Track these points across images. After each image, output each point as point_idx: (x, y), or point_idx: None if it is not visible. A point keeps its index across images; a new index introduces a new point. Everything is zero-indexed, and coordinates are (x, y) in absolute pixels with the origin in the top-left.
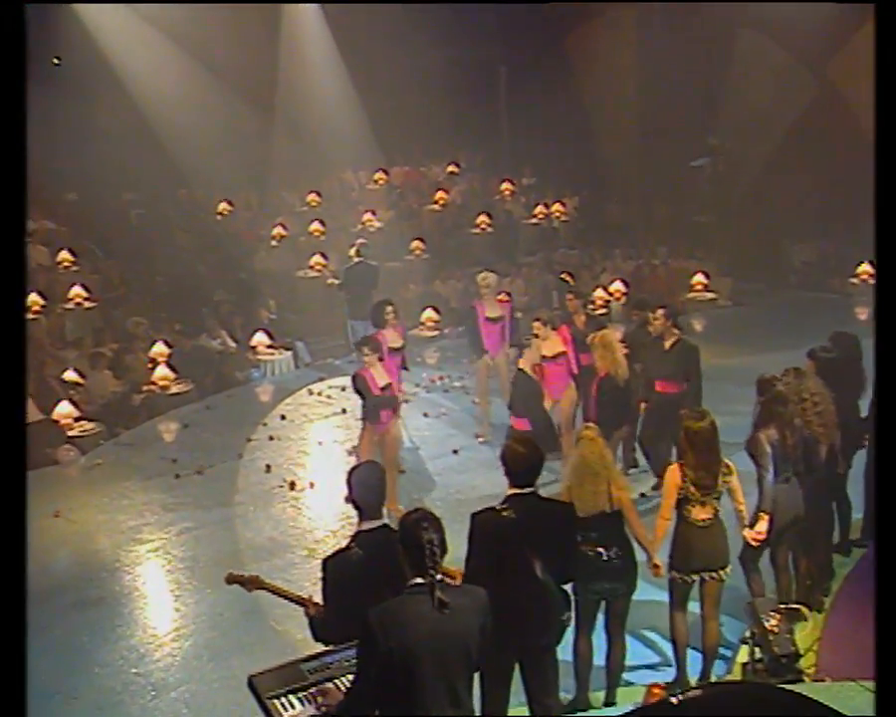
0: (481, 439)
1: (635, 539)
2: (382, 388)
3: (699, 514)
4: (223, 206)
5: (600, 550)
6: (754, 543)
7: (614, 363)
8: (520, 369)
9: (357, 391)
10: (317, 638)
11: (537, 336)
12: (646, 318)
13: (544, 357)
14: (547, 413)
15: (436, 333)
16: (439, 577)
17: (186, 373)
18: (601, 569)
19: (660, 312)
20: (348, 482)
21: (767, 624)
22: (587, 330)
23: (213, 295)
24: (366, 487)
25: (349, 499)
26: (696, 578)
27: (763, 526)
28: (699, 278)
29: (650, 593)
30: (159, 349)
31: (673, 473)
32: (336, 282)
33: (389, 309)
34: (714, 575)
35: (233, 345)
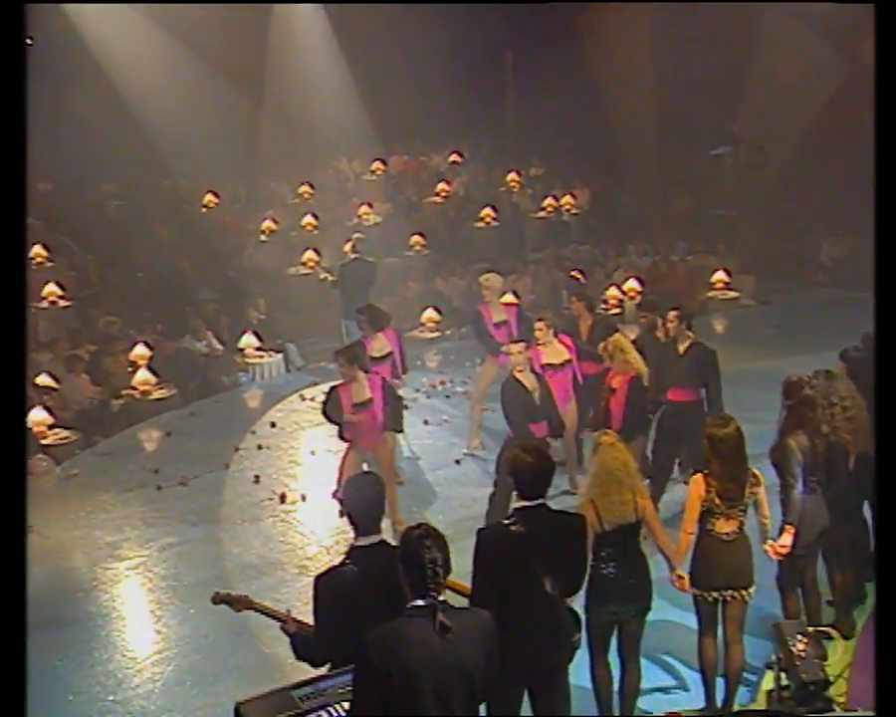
0: (470, 451)
1: (659, 550)
2: (358, 405)
3: (723, 527)
4: (209, 198)
5: (613, 568)
6: (776, 556)
7: (636, 364)
8: (515, 379)
9: (325, 414)
10: (298, 657)
11: (538, 340)
12: (654, 321)
13: (549, 364)
14: (559, 415)
15: (437, 334)
16: (442, 598)
17: (169, 378)
18: (614, 587)
19: (673, 313)
20: (343, 494)
21: (794, 649)
22: (594, 335)
23: (198, 293)
24: (362, 500)
25: (344, 513)
26: (717, 595)
27: (787, 539)
28: (720, 275)
29: (666, 612)
30: (140, 351)
31: (697, 483)
32: (331, 277)
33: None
34: (737, 593)
35: (219, 347)
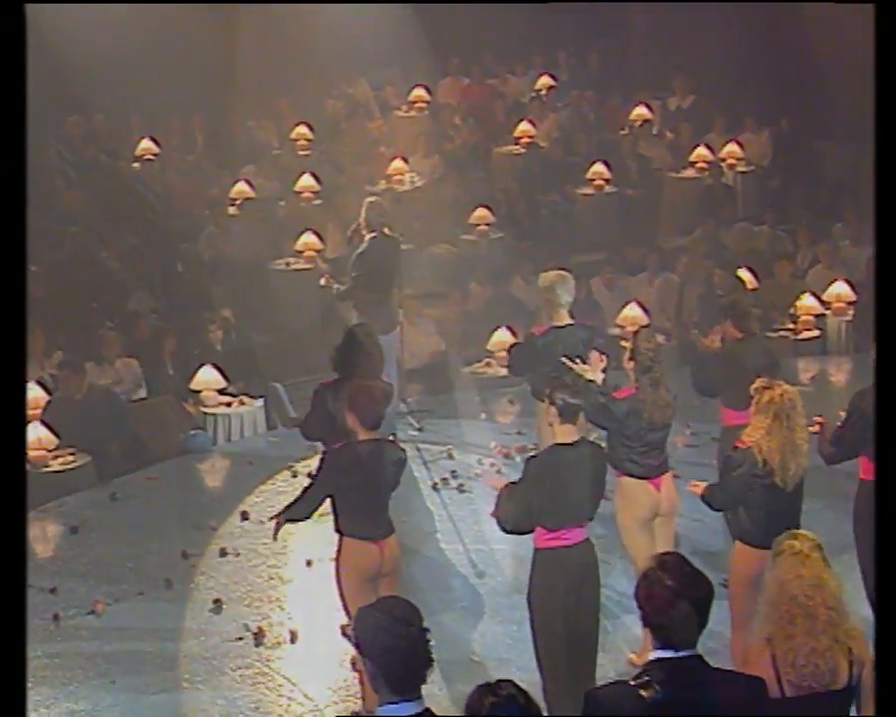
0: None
1: None
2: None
3: None
4: (145, 146)
5: None
6: None
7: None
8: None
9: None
10: None
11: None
12: None
13: None
14: None
15: None
16: None
17: (76, 437)
18: None
19: None
20: (358, 632)
21: None
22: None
23: (125, 300)
24: (394, 643)
25: (360, 665)
26: None
27: None
28: None
29: None
30: (30, 395)
31: None
32: (336, 285)
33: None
34: None
35: (160, 387)
